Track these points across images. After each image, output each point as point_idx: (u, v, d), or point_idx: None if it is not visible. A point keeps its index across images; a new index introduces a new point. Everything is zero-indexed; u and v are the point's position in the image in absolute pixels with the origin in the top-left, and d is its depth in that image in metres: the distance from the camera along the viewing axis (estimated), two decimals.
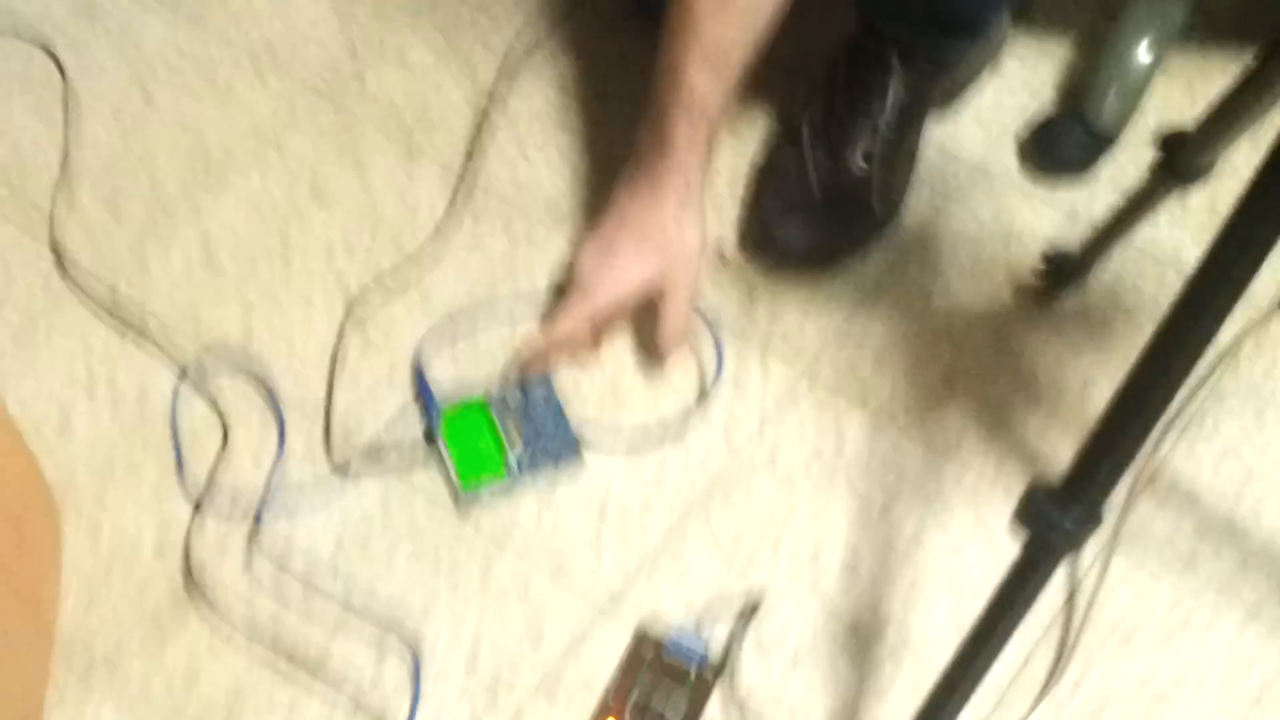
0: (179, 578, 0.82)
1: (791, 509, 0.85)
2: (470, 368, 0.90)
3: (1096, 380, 0.88)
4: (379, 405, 0.88)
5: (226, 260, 0.95)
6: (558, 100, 1.02)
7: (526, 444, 0.86)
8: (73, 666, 0.80)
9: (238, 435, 0.87)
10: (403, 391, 0.89)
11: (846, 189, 0.93)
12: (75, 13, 1.08)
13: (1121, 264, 0.91)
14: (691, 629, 0.80)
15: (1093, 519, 0.57)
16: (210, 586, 0.82)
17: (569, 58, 1.04)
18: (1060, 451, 0.86)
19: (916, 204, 0.96)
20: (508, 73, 1.03)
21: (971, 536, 0.84)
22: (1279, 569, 0.82)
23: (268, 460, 0.86)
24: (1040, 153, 0.98)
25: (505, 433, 0.86)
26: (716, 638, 0.80)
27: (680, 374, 0.90)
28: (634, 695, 0.77)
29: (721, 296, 0.92)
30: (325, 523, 0.84)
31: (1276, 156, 0.50)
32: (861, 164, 0.92)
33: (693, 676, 0.78)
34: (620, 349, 0.91)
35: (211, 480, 0.85)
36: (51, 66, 1.05)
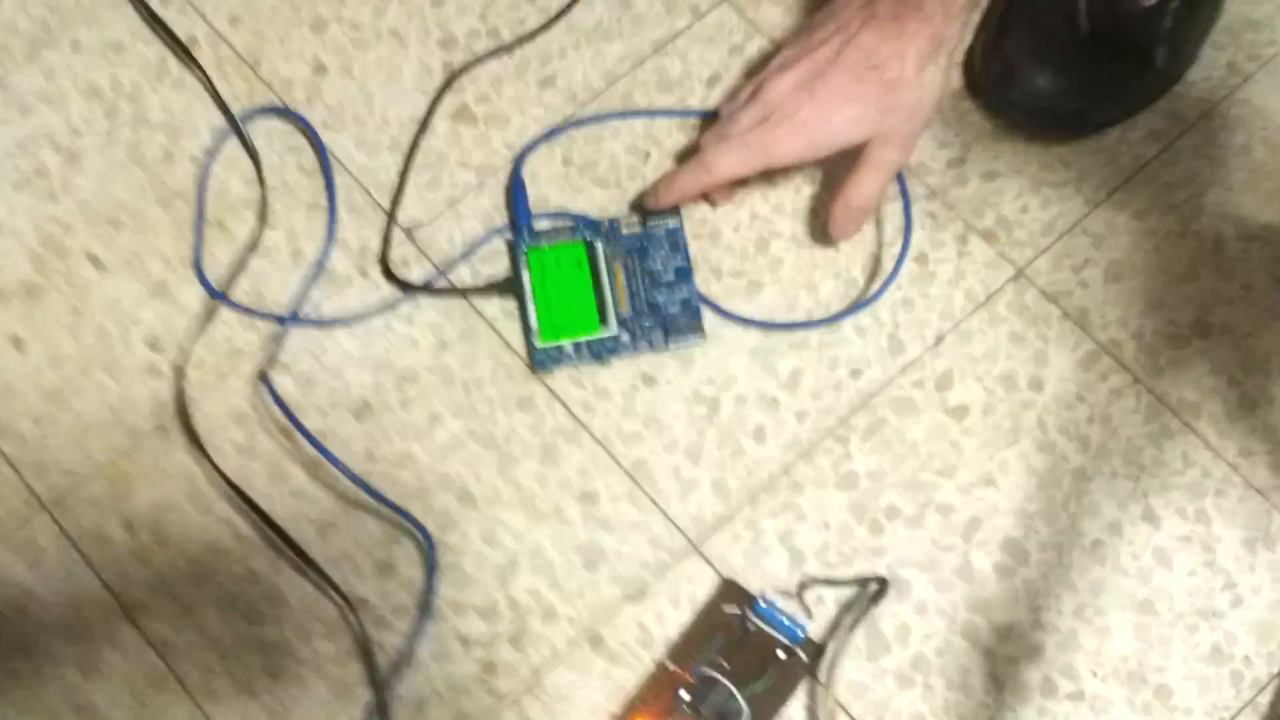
0: (170, 401, 0.66)
1: (957, 452, 0.64)
2: (583, 192, 0.69)
3: None
4: (459, 212, 0.69)
5: None
6: None
7: (633, 301, 0.66)
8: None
9: (278, 209, 0.69)
10: (492, 200, 0.69)
11: (1124, 27, 0.68)
12: None
13: None
14: (794, 592, 0.62)
15: None
16: (206, 415, 0.65)
17: None
18: None
19: (1213, 65, 0.71)
20: None
21: (1188, 541, 0.63)
22: None
23: (310, 252, 0.68)
24: None
25: (609, 282, 0.66)
26: (824, 612, 0.62)
27: (850, 245, 0.68)
28: (701, 661, 0.60)
29: (925, 154, 0.70)
30: (363, 346, 0.66)
31: None
32: None
33: (781, 655, 0.60)
34: (778, 195, 0.69)
35: (240, 266, 0.68)
36: None
